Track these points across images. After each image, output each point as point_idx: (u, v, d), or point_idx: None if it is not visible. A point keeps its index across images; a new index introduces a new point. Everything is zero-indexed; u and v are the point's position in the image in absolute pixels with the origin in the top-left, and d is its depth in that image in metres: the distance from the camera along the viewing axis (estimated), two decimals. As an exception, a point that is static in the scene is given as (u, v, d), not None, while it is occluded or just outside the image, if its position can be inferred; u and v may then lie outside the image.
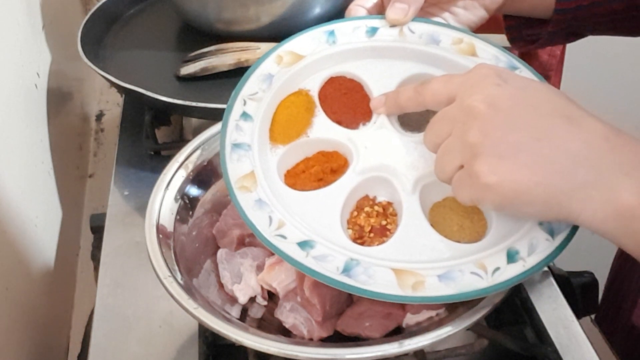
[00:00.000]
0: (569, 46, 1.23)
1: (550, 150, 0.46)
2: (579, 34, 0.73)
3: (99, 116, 1.11)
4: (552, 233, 0.51)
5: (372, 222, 0.55)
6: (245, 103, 0.58)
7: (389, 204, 0.57)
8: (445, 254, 0.52)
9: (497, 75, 0.49)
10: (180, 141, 0.89)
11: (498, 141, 0.46)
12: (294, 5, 0.90)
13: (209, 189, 0.66)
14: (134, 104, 0.94)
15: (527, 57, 1.20)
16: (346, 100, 0.61)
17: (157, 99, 0.80)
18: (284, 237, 0.52)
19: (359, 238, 0.55)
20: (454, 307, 0.57)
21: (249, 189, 0.54)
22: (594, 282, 0.70)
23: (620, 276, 0.82)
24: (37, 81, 0.89)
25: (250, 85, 0.59)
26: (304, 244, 0.51)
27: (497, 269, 0.50)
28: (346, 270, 0.50)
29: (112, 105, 1.13)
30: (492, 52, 0.60)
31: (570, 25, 0.70)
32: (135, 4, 1.06)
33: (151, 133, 0.86)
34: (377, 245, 0.54)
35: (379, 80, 0.61)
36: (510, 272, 0.50)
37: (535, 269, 0.50)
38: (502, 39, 0.85)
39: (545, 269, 0.66)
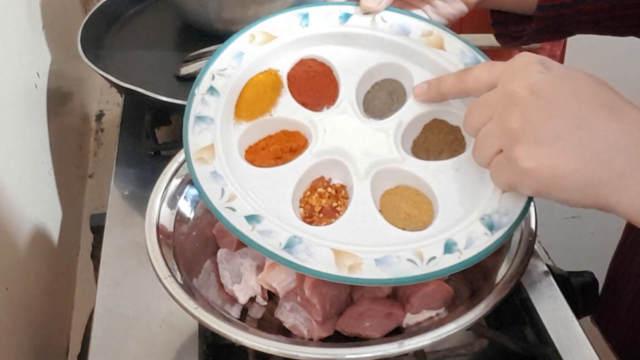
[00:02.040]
0: (569, 47, 1.23)
1: (589, 139, 0.46)
2: (566, 32, 0.73)
3: (99, 116, 1.11)
4: (491, 228, 0.52)
5: (323, 203, 0.56)
6: (213, 78, 0.59)
7: (342, 187, 0.58)
8: (387, 239, 0.53)
9: (540, 63, 0.49)
10: (180, 141, 0.89)
11: (538, 127, 0.47)
12: (294, 5, 0.90)
13: (209, 189, 0.66)
14: (134, 104, 0.93)
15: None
16: (313, 83, 0.62)
17: (157, 99, 0.80)
18: (233, 209, 0.53)
19: (309, 217, 0.56)
20: (453, 307, 0.57)
21: (206, 161, 0.55)
22: (594, 282, 0.70)
23: (618, 276, 0.82)
24: (37, 81, 0.89)
25: (221, 61, 0.60)
26: (251, 218, 0.53)
27: (433, 258, 0.51)
28: (288, 246, 0.51)
29: (112, 105, 1.13)
30: (459, 46, 0.61)
31: (555, 23, 0.70)
32: (135, 4, 1.06)
33: (151, 133, 0.86)
34: (325, 225, 0.55)
35: (347, 66, 0.62)
36: (445, 262, 0.51)
37: (470, 262, 0.51)
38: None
39: (545, 268, 0.67)
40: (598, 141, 0.46)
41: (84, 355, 0.65)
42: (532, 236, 0.59)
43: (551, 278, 0.66)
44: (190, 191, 0.65)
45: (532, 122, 0.47)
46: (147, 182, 0.66)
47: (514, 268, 0.56)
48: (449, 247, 0.52)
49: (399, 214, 0.55)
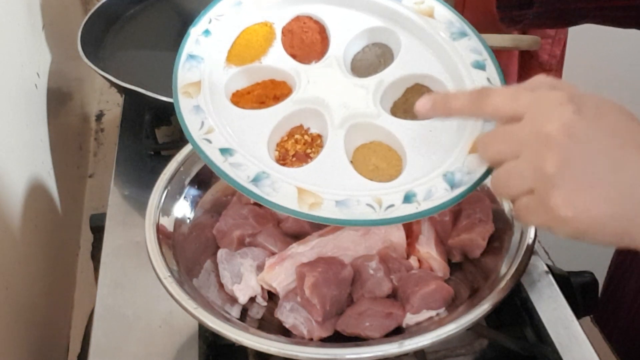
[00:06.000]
0: (569, 46, 1.23)
1: (626, 184, 0.45)
2: (567, 20, 0.73)
3: (99, 116, 1.11)
4: (452, 185, 0.54)
5: (297, 148, 0.59)
6: (210, 21, 0.62)
7: (319, 136, 0.59)
8: (351, 185, 0.55)
9: (571, 101, 0.47)
10: (180, 141, 0.89)
11: (575, 173, 0.45)
12: None
13: (209, 189, 0.66)
14: (134, 104, 0.93)
15: (528, 57, 1.20)
16: (305, 38, 0.64)
17: (157, 99, 0.80)
18: (209, 141, 0.56)
19: (282, 159, 0.58)
20: (453, 307, 0.57)
21: (191, 95, 0.59)
22: (594, 282, 0.70)
23: (618, 276, 0.82)
24: (37, 81, 0.89)
25: (220, 7, 0.63)
26: (224, 151, 0.56)
27: (392, 205, 0.53)
28: (255, 180, 0.54)
29: (112, 105, 1.13)
30: (448, 16, 0.63)
31: (557, 9, 0.70)
32: (135, 4, 1.06)
33: (151, 133, 0.86)
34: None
35: (340, 26, 0.64)
36: (402, 211, 0.53)
37: (426, 213, 0.53)
38: (503, 38, 0.85)
39: (545, 268, 0.67)
40: (634, 185, 0.45)
41: (84, 355, 0.65)
42: (532, 236, 0.59)
43: (551, 278, 0.66)
44: (190, 191, 0.65)
45: (569, 168, 0.45)
46: (147, 182, 0.66)
47: (514, 268, 0.56)
48: (408, 198, 0.54)
49: (367, 166, 0.57)
